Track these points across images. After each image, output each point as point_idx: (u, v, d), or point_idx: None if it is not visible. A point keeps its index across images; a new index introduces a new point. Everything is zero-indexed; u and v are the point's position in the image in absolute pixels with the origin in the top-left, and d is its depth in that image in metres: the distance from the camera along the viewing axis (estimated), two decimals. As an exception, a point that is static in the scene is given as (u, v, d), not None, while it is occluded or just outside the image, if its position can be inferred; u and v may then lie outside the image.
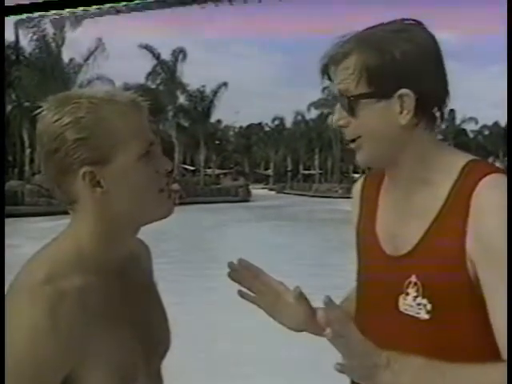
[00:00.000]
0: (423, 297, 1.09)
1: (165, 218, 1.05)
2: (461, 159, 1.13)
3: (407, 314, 1.11)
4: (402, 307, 1.12)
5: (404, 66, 1.09)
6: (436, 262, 1.08)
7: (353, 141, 1.16)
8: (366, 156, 1.16)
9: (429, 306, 1.08)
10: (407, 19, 1.14)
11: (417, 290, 1.10)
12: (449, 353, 1.04)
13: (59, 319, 0.91)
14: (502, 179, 1.07)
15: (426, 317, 1.09)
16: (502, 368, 0.98)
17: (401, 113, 1.10)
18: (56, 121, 0.96)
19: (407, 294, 1.11)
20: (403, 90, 1.09)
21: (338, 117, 1.16)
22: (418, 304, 1.10)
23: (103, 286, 1.00)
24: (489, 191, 1.05)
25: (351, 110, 1.13)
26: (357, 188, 1.36)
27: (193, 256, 14.18)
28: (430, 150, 1.15)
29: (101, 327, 0.97)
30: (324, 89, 46.11)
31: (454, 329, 1.08)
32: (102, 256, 1.01)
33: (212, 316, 7.34)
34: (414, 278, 1.10)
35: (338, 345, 0.96)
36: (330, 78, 1.17)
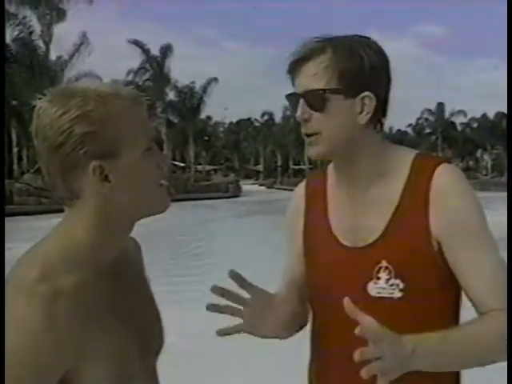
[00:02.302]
0: (396, 278, 1.18)
1: (162, 212, 1.05)
2: (409, 153, 1.27)
3: (379, 297, 1.19)
4: (373, 291, 1.20)
5: (369, 70, 1.18)
6: (404, 245, 1.18)
7: (309, 135, 1.22)
8: (321, 151, 1.23)
9: (401, 285, 1.18)
10: (359, 35, 1.24)
11: (389, 273, 1.19)
12: (420, 327, 1.12)
13: (55, 318, 0.90)
14: (452, 166, 1.23)
15: (399, 295, 1.18)
16: (492, 320, 1.11)
17: (360, 113, 1.20)
18: (62, 114, 0.93)
19: (378, 278, 1.20)
20: (366, 93, 1.19)
21: (301, 111, 1.20)
22: (391, 285, 1.19)
23: (97, 284, 0.99)
24: (445, 176, 1.20)
25: (319, 104, 1.19)
26: (300, 191, 1.42)
27: (186, 252, 14.15)
28: (382, 147, 1.26)
29: (96, 325, 0.96)
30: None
31: (425, 303, 1.19)
32: (96, 253, 1.01)
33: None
34: (384, 263, 1.19)
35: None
36: (293, 78, 1.23)
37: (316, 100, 1.19)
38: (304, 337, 1.38)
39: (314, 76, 1.18)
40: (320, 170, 1.41)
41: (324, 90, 1.18)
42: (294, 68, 1.22)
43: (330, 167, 1.37)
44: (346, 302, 0.99)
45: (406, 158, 1.25)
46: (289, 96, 1.25)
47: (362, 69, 1.18)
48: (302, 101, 1.20)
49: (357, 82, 1.18)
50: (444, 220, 1.17)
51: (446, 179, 1.20)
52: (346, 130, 1.20)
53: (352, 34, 1.23)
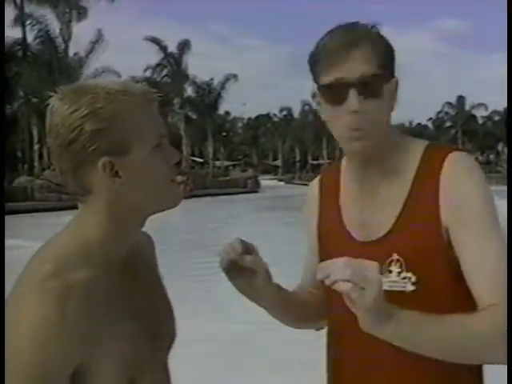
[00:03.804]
0: (407, 271, 1.16)
1: (173, 207, 1.06)
2: (420, 144, 1.24)
3: (391, 291, 1.14)
4: (385, 285, 1.14)
5: (392, 55, 1.18)
6: (415, 237, 1.16)
7: (357, 129, 1.14)
8: (368, 146, 1.16)
9: (413, 278, 1.16)
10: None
11: (400, 266, 1.17)
12: None
13: (67, 313, 0.91)
14: (463, 155, 1.19)
15: (412, 288, 1.16)
16: (484, 316, 1.06)
17: (393, 99, 1.19)
18: (73, 112, 0.94)
19: (390, 271, 1.17)
20: (396, 77, 1.18)
21: (356, 101, 1.11)
22: (403, 278, 1.16)
23: (109, 280, 1.00)
24: (456, 164, 1.16)
25: (376, 90, 1.14)
26: (314, 186, 1.41)
27: (204, 248, 14.20)
28: (395, 137, 1.24)
29: (108, 320, 0.97)
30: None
31: (438, 296, 1.16)
32: (108, 249, 1.01)
33: (221, 304, 7.35)
34: (395, 256, 1.17)
35: (358, 297, 0.96)
36: (328, 68, 1.14)
37: (373, 86, 1.13)
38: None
39: (360, 65, 1.12)
40: (334, 163, 1.39)
41: (372, 75, 1.12)
42: (338, 56, 1.13)
43: (344, 161, 1.35)
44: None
45: (416, 148, 1.22)
46: (329, 86, 1.14)
47: (393, 52, 1.18)
48: (353, 90, 1.12)
49: (392, 66, 1.18)
50: (453, 207, 1.14)
51: (456, 167, 1.16)
52: (386, 118, 1.19)
53: (356, 23, 1.19)
